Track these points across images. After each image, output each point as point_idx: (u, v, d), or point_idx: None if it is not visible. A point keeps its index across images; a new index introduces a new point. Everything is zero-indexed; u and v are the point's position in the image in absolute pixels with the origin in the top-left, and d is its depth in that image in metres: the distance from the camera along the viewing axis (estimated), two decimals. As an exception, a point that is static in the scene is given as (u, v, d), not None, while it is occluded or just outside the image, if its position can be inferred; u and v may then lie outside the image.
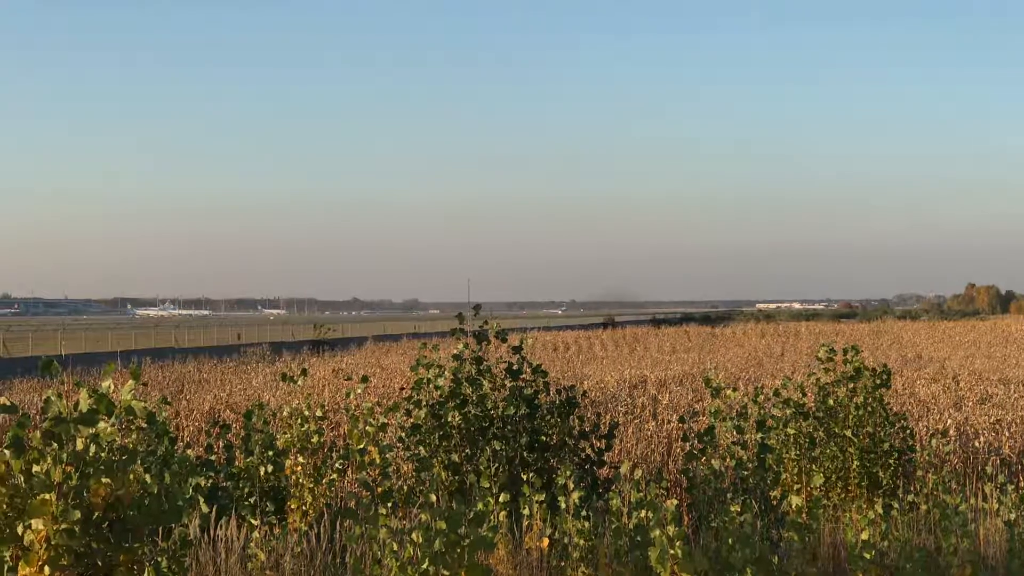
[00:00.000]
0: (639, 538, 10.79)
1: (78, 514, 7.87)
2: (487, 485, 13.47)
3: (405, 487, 14.45)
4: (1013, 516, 12.62)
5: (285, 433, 15.27)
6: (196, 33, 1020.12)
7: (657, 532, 9.91)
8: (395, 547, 9.25)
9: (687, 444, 14.54)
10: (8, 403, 8.39)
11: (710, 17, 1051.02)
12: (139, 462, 8.67)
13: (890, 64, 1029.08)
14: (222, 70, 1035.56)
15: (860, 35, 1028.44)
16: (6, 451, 8.13)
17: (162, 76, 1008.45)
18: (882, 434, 16.64)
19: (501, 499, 12.46)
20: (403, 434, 15.00)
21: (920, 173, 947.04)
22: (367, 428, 14.96)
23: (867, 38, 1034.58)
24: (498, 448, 14.41)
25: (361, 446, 14.62)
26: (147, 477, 8.83)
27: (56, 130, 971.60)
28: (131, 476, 8.40)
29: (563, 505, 12.00)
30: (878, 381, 16.92)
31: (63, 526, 7.84)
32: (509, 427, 14.72)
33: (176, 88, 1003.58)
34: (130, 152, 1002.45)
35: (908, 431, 17.19)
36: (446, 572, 8.80)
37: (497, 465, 14.26)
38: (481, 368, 15.05)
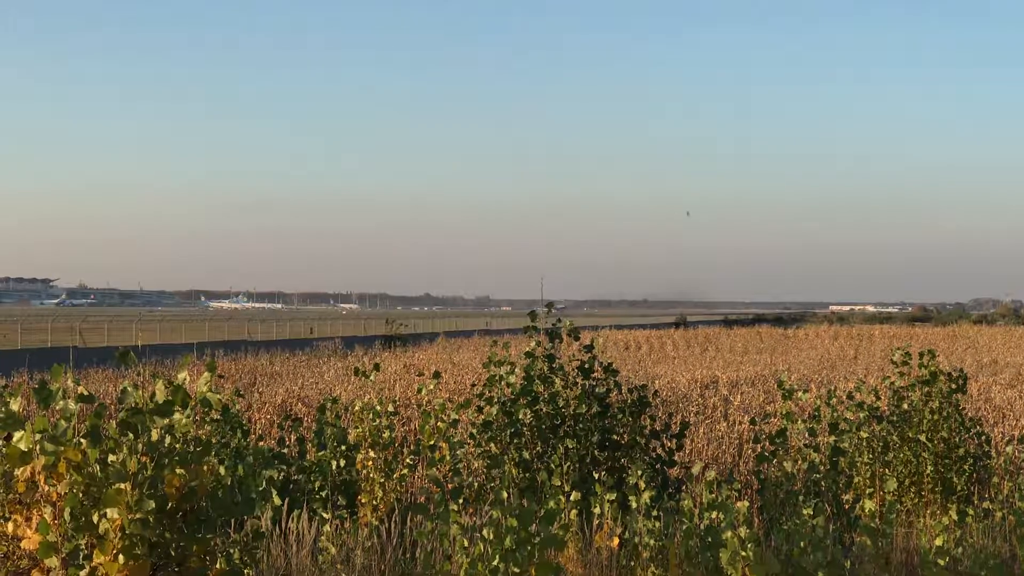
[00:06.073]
0: (710, 539, 10.71)
1: (152, 504, 7.92)
2: (558, 483, 13.44)
3: (476, 484, 14.45)
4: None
5: (357, 427, 15.33)
6: (254, 35, 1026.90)
7: (728, 534, 9.85)
8: (465, 543, 9.26)
9: (759, 446, 14.48)
10: (85, 392, 8.48)
11: (789, 15, 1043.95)
12: (213, 454, 8.74)
13: (971, 67, 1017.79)
14: (308, 70, 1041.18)
15: (947, 37, 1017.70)
16: (83, 440, 8.21)
17: (244, 76, 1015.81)
18: (957, 439, 16.46)
19: (572, 497, 12.44)
20: (474, 431, 14.99)
21: (999, 176, 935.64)
22: (439, 424, 14.99)
23: (956, 40, 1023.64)
24: (570, 446, 14.37)
25: (432, 442, 14.66)
26: (221, 469, 8.91)
27: (129, 127, 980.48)
28: (205, 468, 8.46)
29: (634, 505, 11.95)
30: (954, 386, 16.74)
31: (137, 516, 7.90)
32: (580, 425, 14.67)
33: (254, 87, 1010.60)
34: (207, 149, 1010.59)
35: (984, 437, 16.99)
36: (516, 569, 8.79)
37: (568, 463, 14.22)
38: (553, 366, 15.02)
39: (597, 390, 15.01)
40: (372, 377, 16.47)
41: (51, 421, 8.33)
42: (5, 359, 53.12)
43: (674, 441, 15.27)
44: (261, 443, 15.22)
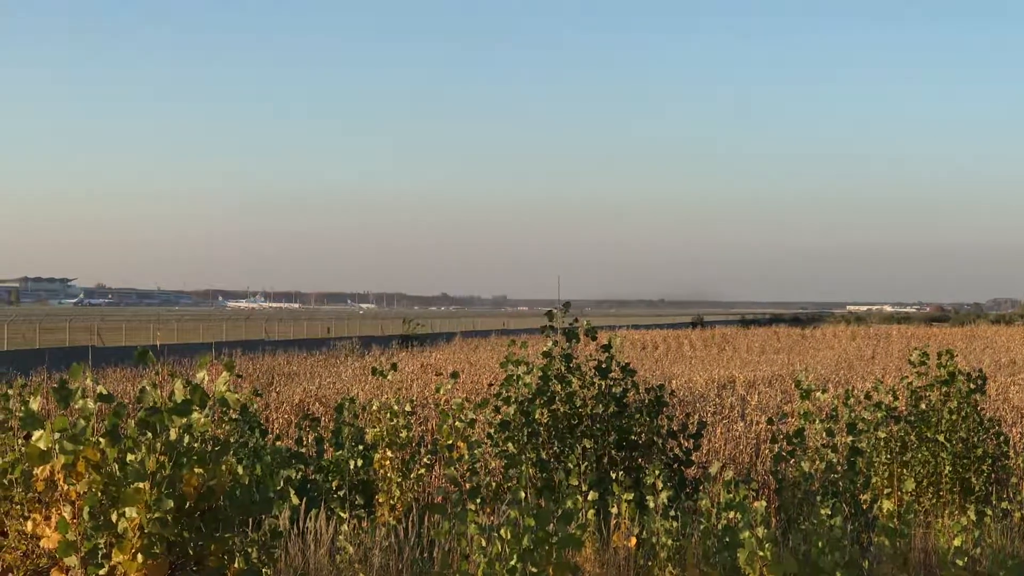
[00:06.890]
0: (728, 539, 10.70)
1: (171, 503, 7.95)
2: (575, 483, 13.43)
3: (493, 483, 14.45)
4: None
5: (374, 427, 15.33)
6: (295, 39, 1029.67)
7: (746, 534, 9.84)
8: (483, 543, 9.26)
9: (776, 445, 14.42)
10: (104, 392, 8.51)
11: (791, 15, 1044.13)
12: (231, 453, 8.75)
13: (987, 65, 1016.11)
14: (321, 69, 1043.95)
15: (968, 35, 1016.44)
16: (102, 439, 8.24)
17: (254, 77, 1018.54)
18: (975, 440, 16.39)
19: (589, 497, 12.42)
20: (492, 430, 14.97)
21: (1016, 174, 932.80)
22: (456, 424, 14.98)
23: (967, 40, 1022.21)
24: (587, 446, 14.35)
25: (450, 442, 14.66)
26: (239, 468, 8.92)
27: (147, 128, 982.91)
28: (223, 467, 8.48)
29: (651, 504, 11.93)
30: (973, 386, 16.67)
31: (156, 515, 7.93)
32: (598, 425, 14.65)
33: (266, 87, 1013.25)
34: (222, 149, 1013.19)
35: (1002, 437, 16.92)
36: (534, 569, 8.79)
37: (585, 463, 14.21)
38: (570, 366, 14.99)
39: (614, 390, 14.98)
40: (389, 377, 16.50)
41: (70, 420, 8.36)
42: (24, 358, 53.30)
43: (691, 441, 15.26)
44: (279, 443, 15.23)
